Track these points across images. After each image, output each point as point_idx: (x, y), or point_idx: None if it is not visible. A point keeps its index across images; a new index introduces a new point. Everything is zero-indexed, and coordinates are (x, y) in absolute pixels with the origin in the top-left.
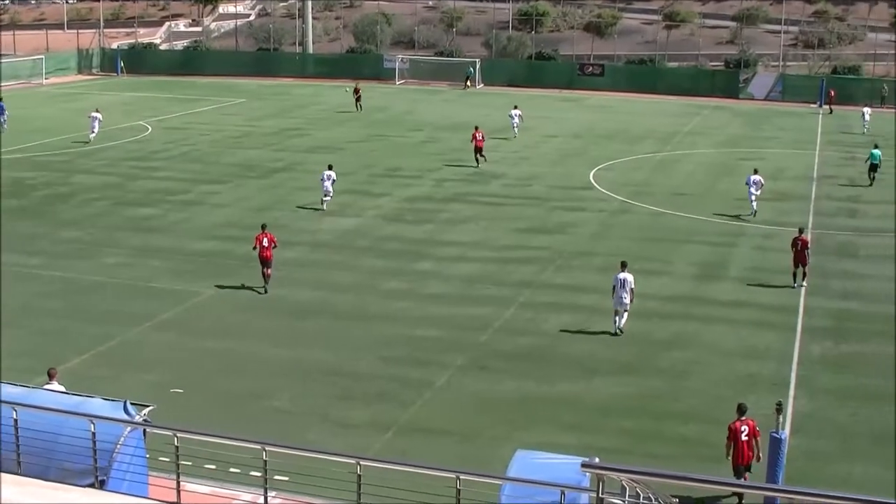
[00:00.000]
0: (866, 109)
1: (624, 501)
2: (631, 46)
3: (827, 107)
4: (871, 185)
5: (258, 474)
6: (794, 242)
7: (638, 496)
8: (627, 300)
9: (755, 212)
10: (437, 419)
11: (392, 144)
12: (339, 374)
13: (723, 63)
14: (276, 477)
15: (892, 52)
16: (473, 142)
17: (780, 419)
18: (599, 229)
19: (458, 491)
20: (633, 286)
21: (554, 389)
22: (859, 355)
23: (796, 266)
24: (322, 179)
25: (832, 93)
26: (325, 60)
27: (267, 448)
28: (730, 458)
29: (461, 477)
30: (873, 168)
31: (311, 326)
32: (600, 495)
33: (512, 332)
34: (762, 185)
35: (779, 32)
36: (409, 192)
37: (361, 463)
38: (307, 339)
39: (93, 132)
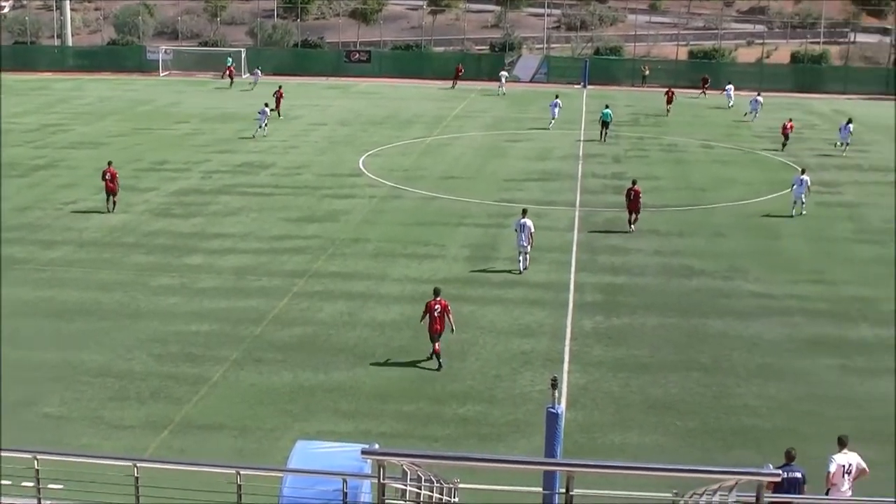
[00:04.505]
0: (503, 74)
1: (405, 485)
2: (397, 32)
3: (455, 82)
4: (602, 141)
5: (30, 484)
6: (628, 193)
7: (419, 479)
8: (527, 244)
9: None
10: (214, 415)
11: (158, 137)
12: (110, 374)
13: (488, 47)
14: (51, 485)
15: (652, 32)
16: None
17: (556, 394)
18: (371, 216)
19: (239, 486)
20: (532, 231)
21: (331, 378)
22: (629, 327)
23: (630, 213)
24: (260, 113)
25: (459, 69)
26: (86, 53)
27: (38, 456)
28: (424, 324)
29: (241, 472)
30: (605, 125)
31: (80, 327)
32: (382, 481)
33: (286, 322)
34: (560, 106)
35: (542, 15)
36: (176, 185)
37: (138, 465)
38: (76, 341)
39: None
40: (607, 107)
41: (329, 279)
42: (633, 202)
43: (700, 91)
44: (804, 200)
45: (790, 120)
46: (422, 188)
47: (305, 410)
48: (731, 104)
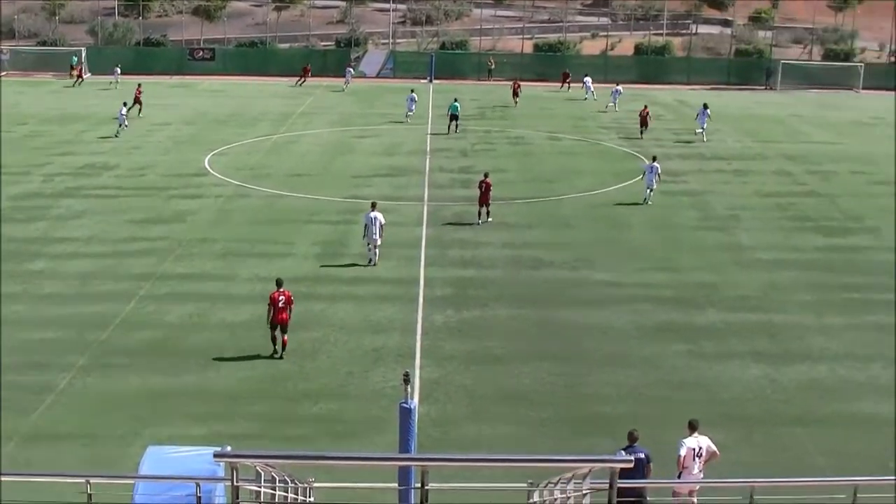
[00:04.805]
0: (349, 70)
1: (260, 487)
2: (241, 29)
3: (301, 80)
4: (452, 132)
5: None
6: (480, 185)
7: (274, 480)
8: (377, 237)
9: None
10: (61, 424)
11: None
12: None
13: (334, 43)
14: None
15: (497, 26)
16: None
17: (409, 389)
18: (217, 215)
19: (90, 495)
20: (382, 223)
21: (181, 381)
22: (480, 320)
23: (481, 206)
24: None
25: (307, 69)
26: None
27: None
28: (269, 320)
29: (91, 480)
30: (454, 118)
31: None
32: (235, 484)
33: (134, 326)
34: (416, 100)
35: (388, 11)
36: (16, 189)
37: None
38: None
39: None
40: (456, 100)
41: (177, 281)
42: (483, 195)
43: (561, 85)
44: (654, 188)
45: (645, 107)
46: (269, 186)
47: (156, 415)
48: (592, 96)
